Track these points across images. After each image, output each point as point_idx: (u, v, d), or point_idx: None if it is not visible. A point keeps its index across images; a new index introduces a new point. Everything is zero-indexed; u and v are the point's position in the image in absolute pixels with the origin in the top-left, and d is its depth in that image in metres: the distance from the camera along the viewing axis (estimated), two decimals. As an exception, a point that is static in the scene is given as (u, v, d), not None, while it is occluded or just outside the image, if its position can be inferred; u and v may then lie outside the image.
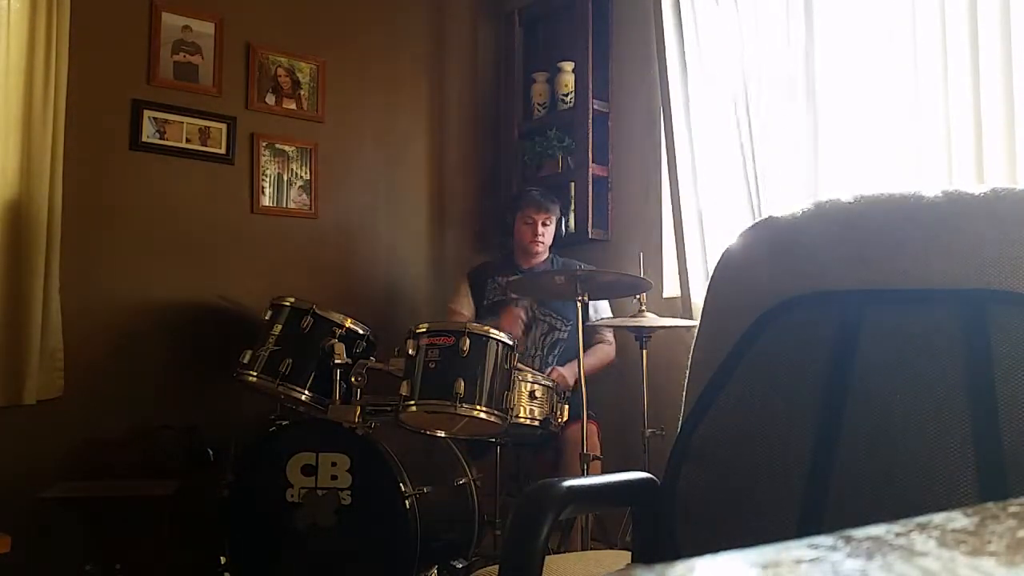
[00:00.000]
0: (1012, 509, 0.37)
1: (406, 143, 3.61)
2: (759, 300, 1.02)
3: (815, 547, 0.31)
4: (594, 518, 2.48)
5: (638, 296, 2.50)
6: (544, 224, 2.93)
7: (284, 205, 3.22)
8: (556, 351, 2.85)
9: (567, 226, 3.20)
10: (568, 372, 2.66)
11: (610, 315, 2.91)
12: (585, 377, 2.37)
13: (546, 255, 3.01)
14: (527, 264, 2.98)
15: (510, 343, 2.32)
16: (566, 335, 2.84)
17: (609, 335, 2.91)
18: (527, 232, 2.94)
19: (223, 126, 3.07)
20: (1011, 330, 0.84)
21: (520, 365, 2.38)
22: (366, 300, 3.30)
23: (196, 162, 3.01)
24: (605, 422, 2.70)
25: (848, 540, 0.31)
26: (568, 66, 3.35)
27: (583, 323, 2.39)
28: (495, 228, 3.60)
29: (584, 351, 2.75)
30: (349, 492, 2.19)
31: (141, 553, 2.46)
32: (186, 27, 3.01)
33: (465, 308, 3.00)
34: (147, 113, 2.91)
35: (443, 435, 2.42)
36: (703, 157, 2.82)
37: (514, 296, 2.91)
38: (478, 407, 2.20)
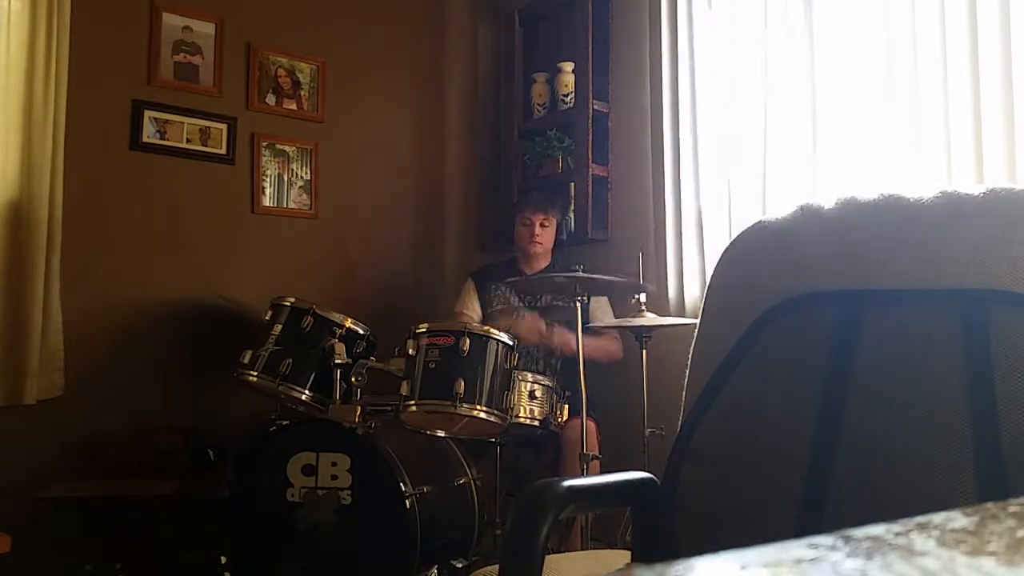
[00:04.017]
0: (1012, 509, 0.37)
1: (406, 143, 3.61)
2: (759, 300, 1.02)
3: (815, 547, 0.31)
4: (594, 518, 2.48)
5: (638, 296, 2.50)
6: (542, 225, 2.93)
7: (284, 205, 3.22)
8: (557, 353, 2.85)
9: (567, 227, 3.20)
10: (572, 337, 2.53)
11: (608, 307, 2.90)
12: (589, 356, 2.35)
13: (547, 259, 3.00)
14: (528, 269, 2.98)
15: (510, 343, 2.32)
16: None
17: (615, 331, 2.90)
18: (525, 233, 2.94)
19: (223, 126, 3.07)
20: (1011, 330, 0.84)
21: (524, 371, 2.39)
22: (366, 300, 3.30)
23: (196, 162, 3.02)
24: (605, 422, 2.70)
25: (848, 540, 0.31)
26: (568, 66, 3.35)
27: (585, 325, 2.39)
28: (495, 228, 3.60)
29: (590, 335, 2.76)
30: (349, 492, 2.19)
31: (141, 553, 2.46)
32: (186, 27, 3.01)
33: (472, 311, 2.99)
34: (147, 113, 2.91)
35: (443, 435, 2.42)
36: (702, 156, 2.82)
37: (518, 306, 2.90)
38: (478, 407, 2.20)
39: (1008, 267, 0.87)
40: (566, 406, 2.45)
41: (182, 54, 3.01)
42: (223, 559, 2.25)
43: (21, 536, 2.10)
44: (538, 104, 3.52)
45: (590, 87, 3.22)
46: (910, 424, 0.86)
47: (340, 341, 2.40)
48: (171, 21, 2.98)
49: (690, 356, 1.11)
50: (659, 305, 2.83)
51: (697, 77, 2.85)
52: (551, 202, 3.00)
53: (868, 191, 1.04)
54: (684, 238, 2.84)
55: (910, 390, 0.87)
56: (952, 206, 0.96)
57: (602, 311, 2.88)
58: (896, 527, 0.33)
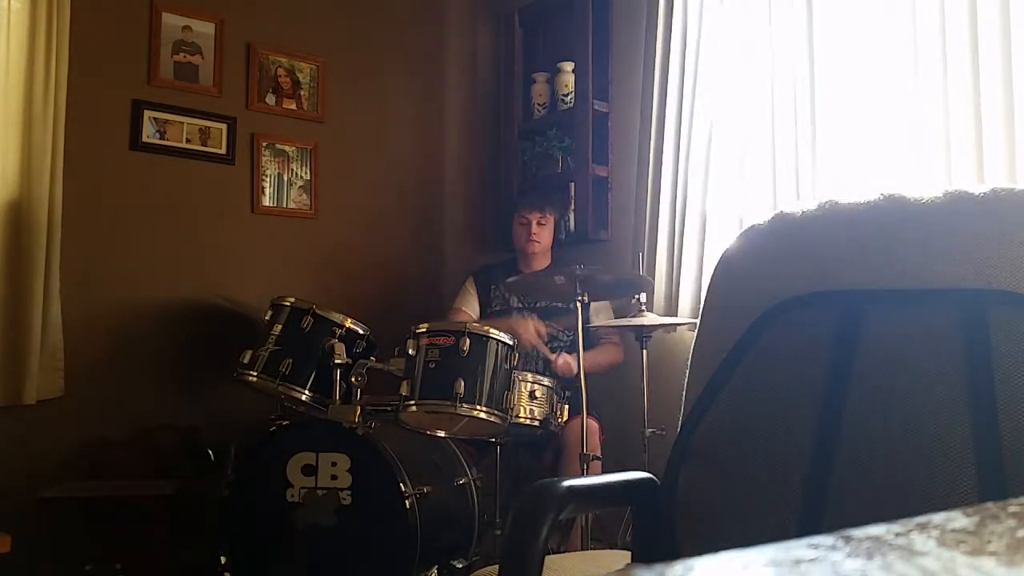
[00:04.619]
0: (1012, 509, 0.37)
1: (406, 143, 3.61)
2: (759, 300, 1.02)
3: (815, 547, 0.31)
4: (594, 518, 2.48)
5: (638, 296, 2.50)
6: (539, 223, 2.92)
7: (284, 205, 3.22)
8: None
9: (567, 227, 3.20)
10: (574, 361, 2.57)
11: (610, 311, 2.90)
12: (591, 372, 2.35)
13: (546, 258, 3.00)
14: (527, 269, 2.98)
15: (510, 343, 2.32)
16: (567, 343, 2.83)
17: (615, 335, 2.90)
18: (522, 232, 2.94)
19: (223, 126, 3.07)
20: (1011, 330, 0.84)
21: (525, 372, 2.39)
22: (366, 300, 3.30)
23: (196, 162, 3.02)
24: (605, 422, 2.69)
25: (848, 540, 0.31)
26: (568, 66, 3.35)
27: (585, 326, 2.39)
28: (495, 228, 3.60)
29: (590, 350, 2.76)
30: (349, 492, 2.19)
31: (141, 553, 2.46)
32: (186, 27, 3.01)
33: (470, 308, 2.99)
34: (147, 113, 2.91)
35: (443, 435, 2.42)
36: (703, 156, 2.82)
37: (518, 307, 2.90)
38: (478, 407, 2.20)
39: (1008, 267, 0.87)
40: (566, 406, 2.45)
41: (182, 54, 3.01)
42: (223, 559, 2.25)
43: (21, 536, 2.10)
44: (538, 104, 3.52)
45: (590, 87, 3.22)
46: (910, 424, 0.86)
47: (340, 341, 2.40)
48: (171, 21, 2.98)
49: (690, 356, 1.11)
50: (659, 305, 2.83)
51: (697, 76, 2.84)
52: (547, 200, 2.99)
53: (868, 191, 1.04)
54: (685, 238, 2.84)
55: (910, 390, 0.87)
56: (952, 206, 0.96)
57: (602, 316, 2.87)
58: (896, 527, 0.33)
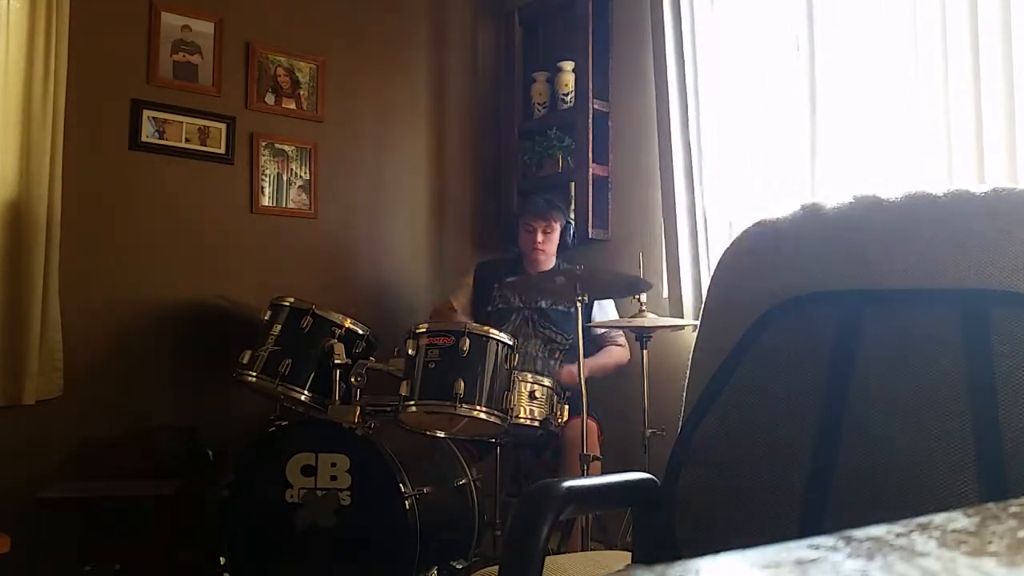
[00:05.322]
0: (1012, 509, 0.37)
1: (406, 143, 3.61)
2: (760, 300, 1.02)
3: (816, 547, 0.31)
4: (594, 518, 2.48)
5: (638, 296, 2.50)
6: (545, 232, 2.92)
7: (284, 205, 3.22)
8: (557, 356, 2.85)
9: (571, 231, 3.19)
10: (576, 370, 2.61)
11: (616, 317, 2.90)
12: (594, 376, 2.35)
13: (550, 262, 2.99)
14: (533, 271, 2.98)
15: (510, 343, 2.32)
16: (567, 347, 2.83)
17: (621, 337, 2.89)
18: (528, 239, 2.94)
19: (222, 126, 3.07)
20: (1012, 330, 0.84)
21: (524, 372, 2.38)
22: (366, 300, 3.29)
23: (195, 162, 3.01)
24: (605, 422, 2.69)
25: (849, 540, 0.31)
26: (568, 66, 3.35)
27: (585, 326, 2.39)
28: (495, 228, 3.60)
29: (594, 354, 2.77)
30: (349, 492, 2.19)
31: (141, 553, 2.46)
32: (185, 27, 3.01)
33: (459, 300, 3.03)
34: (146, 113, 2.91)
35: (443, 435, 2.42)
36: (703, 155, 2.82)
37: (518, 306, 2.90)
38: (478, 407, 2.20)
39: (1009, 267, 0.87)
40: (566, 406, 2.45)
41: (181, 53, 3.00)
42: (222, 559, 2.25)
43: (21, 536, 2.09)
44: (538, 103, 3.52)
45: (590, 86, 3.22)
46: (911, 424, 0.86)
47: (339, 341, 2.40)
48: (170, 20, 2.98)
49: (691, 356, 1.11)
50: (660, 305, 2.83)
51: (698, 76, 2.84)
52: (554, 208, 2.97)
53: (869, 191, 1.04)
54: (685, 238, 2.83)
55: (911, 390, 0.87)
56: (953, 206, 0.96)
57: (605, 316, 2.87)
58: (897, 528, 0.33)
